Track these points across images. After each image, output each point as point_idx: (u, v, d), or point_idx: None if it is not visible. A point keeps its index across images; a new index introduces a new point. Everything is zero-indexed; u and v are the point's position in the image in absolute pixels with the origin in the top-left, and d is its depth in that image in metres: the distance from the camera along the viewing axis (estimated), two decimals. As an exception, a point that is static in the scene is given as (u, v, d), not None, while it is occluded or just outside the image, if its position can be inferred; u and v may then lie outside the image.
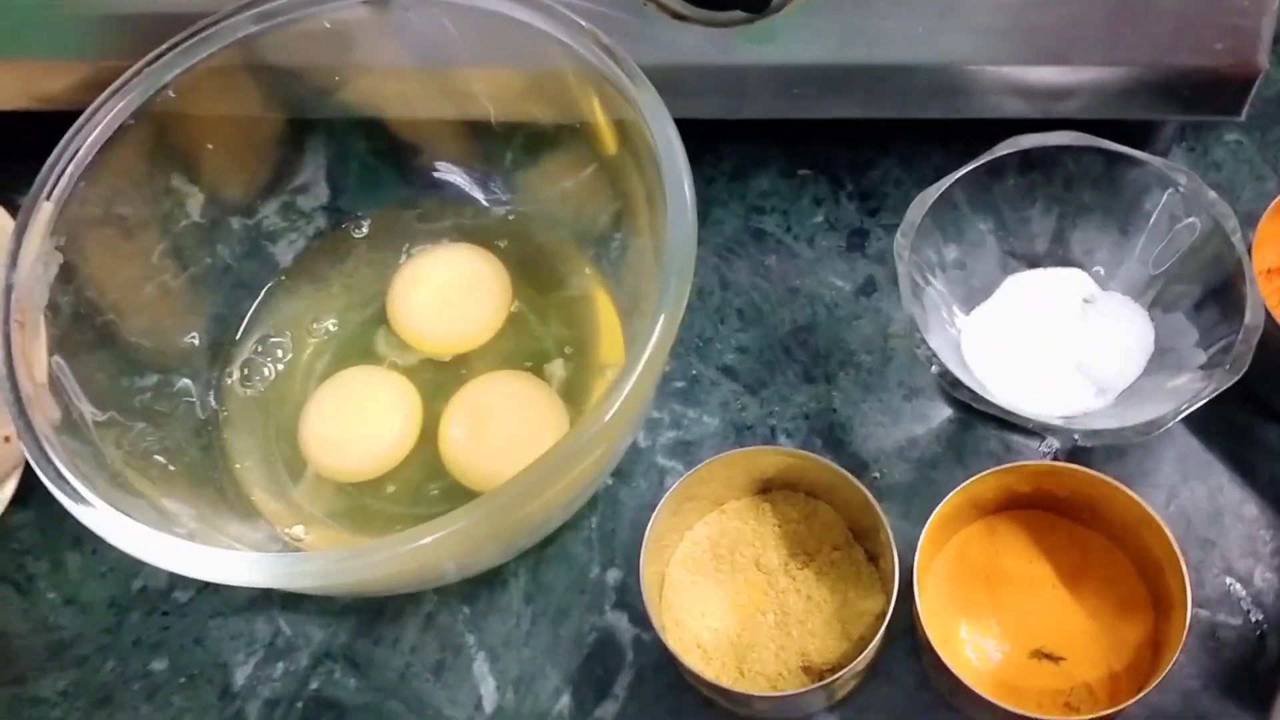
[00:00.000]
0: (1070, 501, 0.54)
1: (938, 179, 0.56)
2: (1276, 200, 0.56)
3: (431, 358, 0.61)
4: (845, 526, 0.55)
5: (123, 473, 0.49)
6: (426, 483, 0.57)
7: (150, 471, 0.52)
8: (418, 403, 0.59)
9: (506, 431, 0.57)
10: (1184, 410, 0.51)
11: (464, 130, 0.62)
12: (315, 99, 0.60)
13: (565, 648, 0.56)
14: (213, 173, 0.60)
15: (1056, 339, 0.58)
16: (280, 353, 0.61)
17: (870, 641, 0.50)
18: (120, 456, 0.50)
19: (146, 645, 0.58)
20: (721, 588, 0.54)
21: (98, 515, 0.45)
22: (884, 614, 0.51)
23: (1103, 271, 0.59)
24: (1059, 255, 0.60)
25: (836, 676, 0.50)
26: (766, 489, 0.56)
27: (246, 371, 0.61)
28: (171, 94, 0.55)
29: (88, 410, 0.50)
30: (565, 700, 0.55)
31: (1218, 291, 0.54)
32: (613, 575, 0.58)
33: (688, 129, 0.51)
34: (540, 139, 0.61)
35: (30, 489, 0.58)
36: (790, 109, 0.60)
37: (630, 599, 0.57)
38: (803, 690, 0.50)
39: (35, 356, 0.50)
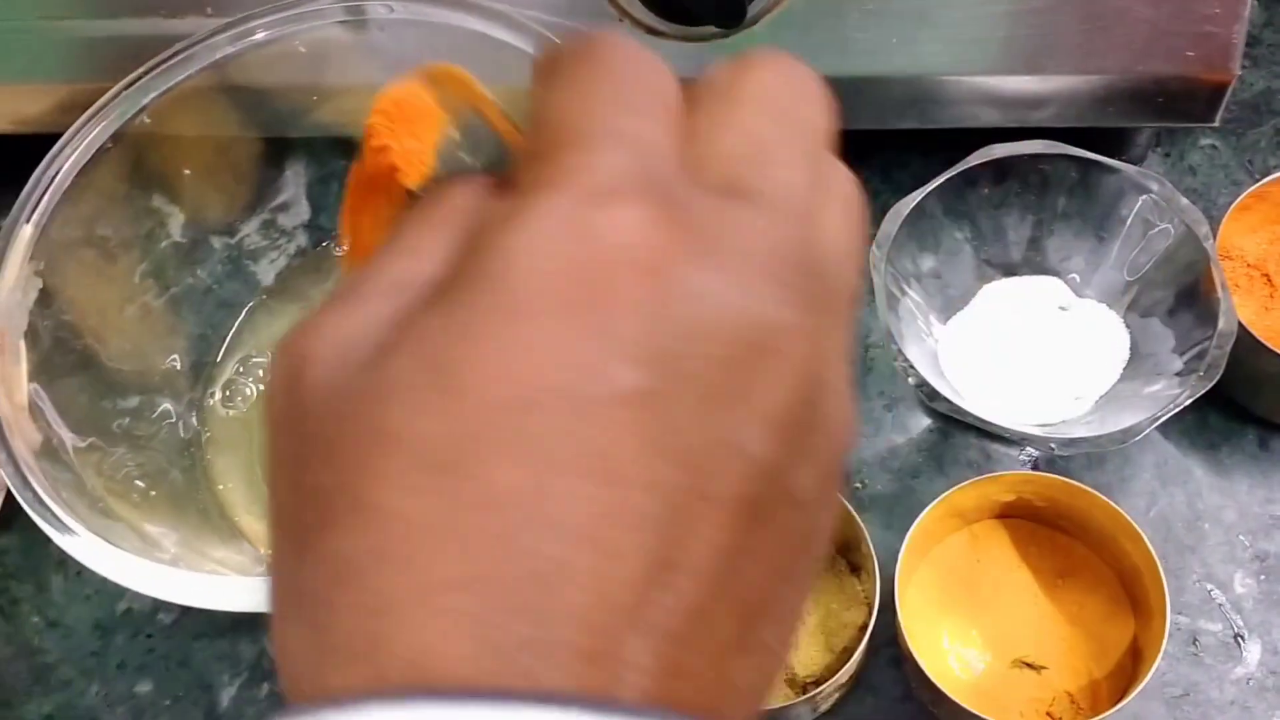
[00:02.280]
0: (1050, 510, 0.54)
1: (916, 189, 0.56)
2: (1234, 206, 0.57)
3: (413, 374, 0.61)
4: (827, 538, 0.55)
5: (104, 499, 0.49)
6: (410, 500, 0.57)
7: (131, 497, 0.52)
8: (400, 420, 0.59)
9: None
10: (1160, 418, 0.51)
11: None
12: (294, 118, 0.60)
13: (550, 663, 0.56)
14: (193, 193, 0.60)
15: (1033, 347, 0.58)
16: (262, 372, 0.61)
17: (853, 653, 0.51)
18: (101, 484, 0.50)
19: (131, 668, 0.58)
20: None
21: (80, 543, 0.45)
22: (866, 626, 0.51)
23: (1078, 278, 0.60)
24: (1035, 263, 0.60)
25: (820, 690, 0.50)
26: (748, 502, 0.56)
27: (229, 392, 0.61)
28: (150, 116, 0.55)
29: (68, 437, 0.50)
30: (551, 716, 0.55)
31: (1191, 297, 0.55)
32: (596, 590, 0.58)
33: (664, 145, 0.51)
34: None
35: (13, 513, 0.58)
36: (767, 121, 0.60)
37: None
38: (786, 704, 0.50)
39: (15, 381, 0.50)
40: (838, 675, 0.50)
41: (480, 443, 0.20)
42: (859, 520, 0.52)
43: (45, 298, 0.52)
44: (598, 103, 0.23)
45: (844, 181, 0.25)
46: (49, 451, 0.48)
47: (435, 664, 0.19)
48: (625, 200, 0.21)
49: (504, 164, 0.27)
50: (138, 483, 0.53)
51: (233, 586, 0.44)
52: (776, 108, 0.24)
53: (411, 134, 0.28)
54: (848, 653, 0.52)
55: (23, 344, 0.51)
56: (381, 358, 0.21)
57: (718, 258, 0.21)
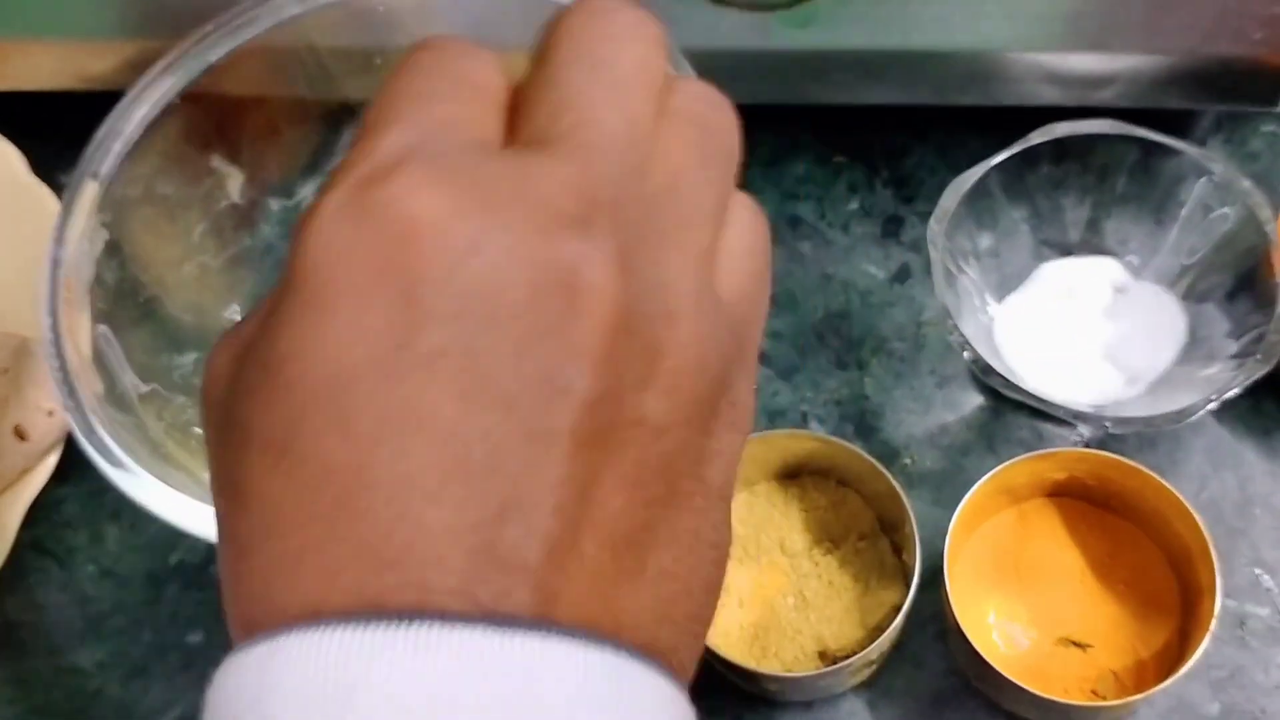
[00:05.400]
0: (1101, 490, 0.54)
1: (973, 166, 0.56)
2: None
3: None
4: (873, 517, 0.55)
5: (164, 444, 0.50)
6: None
7: (190, 444, 0.52)
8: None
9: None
10: (1215, 399, 0.51)
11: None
12: (355, 80, 0.61)
13: (595, 626, 0.57)
14: (252, 153, 0.61)
15: (1088, 328, 0.58)
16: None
17: (885, 631, 0.51)
18: (162, 428, 0.51)
19: (183, 618, 0.59)
20: (744, 568, 0.55)
21: (140, 485, 0.45)
22: (900, 606, 0.51)
23: (1136, 261, 0.59)
24: (1092, 244, 0.60)
25: (847, 663, 0.50)
26: (797, 474, 0.56)
27: (284, 350, 0.61)
28: (214, 75, 0.56)
29: (130, 382, 0.51)
30: (595, 678, 0.56)
31: (1251, 281, 0.54)
32: (644, 555, 0.58)
33: (724, 114, 0.51)
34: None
35: (71, 463, 0.59)
36: (827, 94, 0.60)
37: (660, 579, 0.57)
38: (812, 674, 0.51)
39: (80, 330, 0.51)
40: (866, 651, 0.50)
41: (306, 423, 0.22)
42: (906, 502, 0.52)
43: (112, 247, 0.53)
44: (393, 97, 0.24)
45: (691, 100, 0.26)
46: (113, 397, 0.49)
47: (323, 613, 0.21)
48: (400, 174, 0.22)
49: None
50: (196, 430, 0.54)
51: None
52: (583, 51, 0.25)
53: None
54: (879, 630, 0.52)
55: (87, 296, 0.52)
56: (239, 367, 0.24)
57: (500, 209, 0.22)
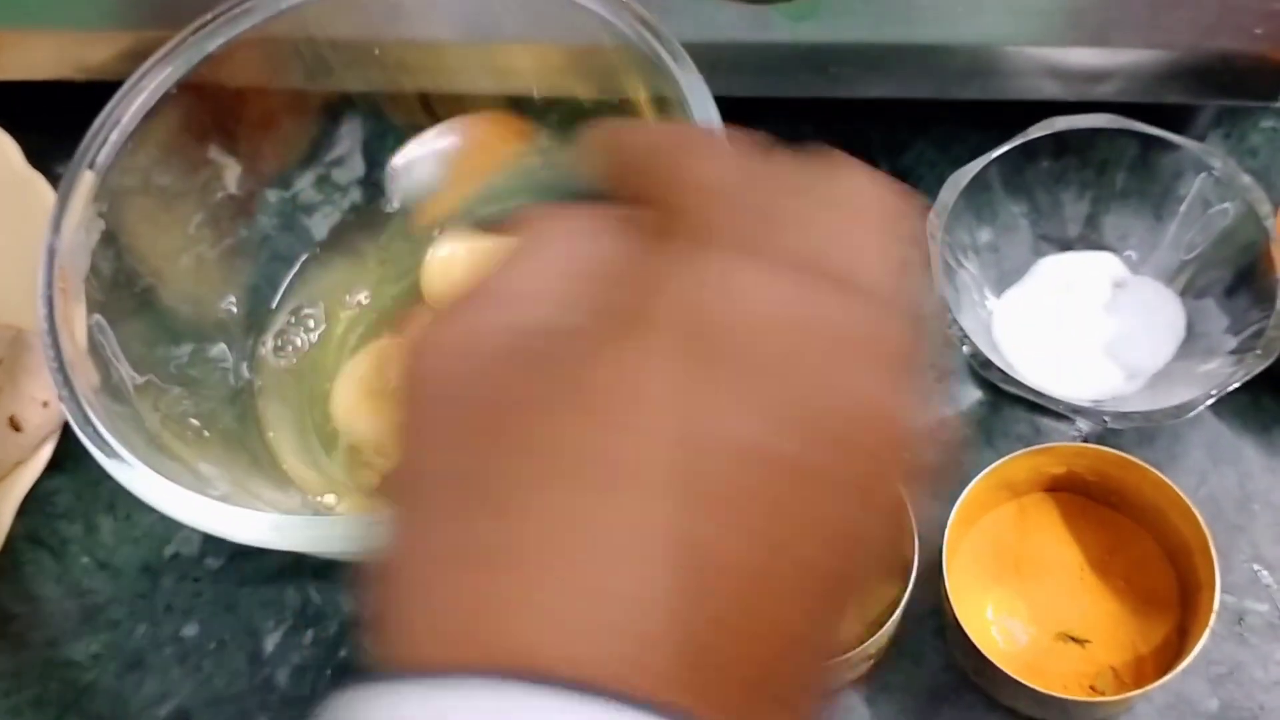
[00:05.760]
0: (1100, 485, 0.54)
1: (972, 161, 0.56)
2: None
3: (465, 331, 0.61)
4: (872, 509, 0.55)
5: (160, 435, 0.50)
6: (458, 455, 0.58)
7: (186, 435, 0.52)
8: (450, 375, 0.59)
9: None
10: (1214, 394, 0.51)
11: (502, 106, 0.62)
12: (355, 71, 0.61)
13: (592, 620, 0.56)
14: (250, 144, 0.61)
15: (1087, 322, 0.58)
16: (312, 324, 0.61)
17: (883, 626, 0.51)
18: (158, 419, 0.51)
19: (178, 611, 0.58)
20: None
21: (136, 475, 0.45)
22: (899, 600, 0.51)
23: (1135, 256, 0.59)
24: (1091, 239, 0.60)
25: (846, 658, 0.50)
26: (796, 467, 0.56)
27: (280, 341, 0.61)
28: (212, 65, 0.55)
29: (126, 373, 0.51)
30: (592, 672, 0.55)
31: (1250, 277, 0.54)
32: (641, 549, 0.58)
33: (722, 107, 0.51)
34: (577, 115, 0.61)
35: (66, 454, 0.59)
36: (827, 88, 0.60)
37: (658, 573, 0.57)
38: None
39: (76, 321, 0.50)
40: (864, 646, 0.50)
41: (615, 469, 0.21)
42: (904, 496, 0.52)
43: (108, 238, 0.53)
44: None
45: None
46: (109, 388, 0.49)
47: (537, 658, 0.20)
48: (753, 268, 0.24)
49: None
50: (192, 421, 0.53)
51: (279, 523, 0.45)
52: (873, 215, 0.26)
53: None
54: (877, 625, 0.52)
55: (83, 286, 0.52)
56: (527, 365, 0.23)
57: (835, 333, 0.24)
